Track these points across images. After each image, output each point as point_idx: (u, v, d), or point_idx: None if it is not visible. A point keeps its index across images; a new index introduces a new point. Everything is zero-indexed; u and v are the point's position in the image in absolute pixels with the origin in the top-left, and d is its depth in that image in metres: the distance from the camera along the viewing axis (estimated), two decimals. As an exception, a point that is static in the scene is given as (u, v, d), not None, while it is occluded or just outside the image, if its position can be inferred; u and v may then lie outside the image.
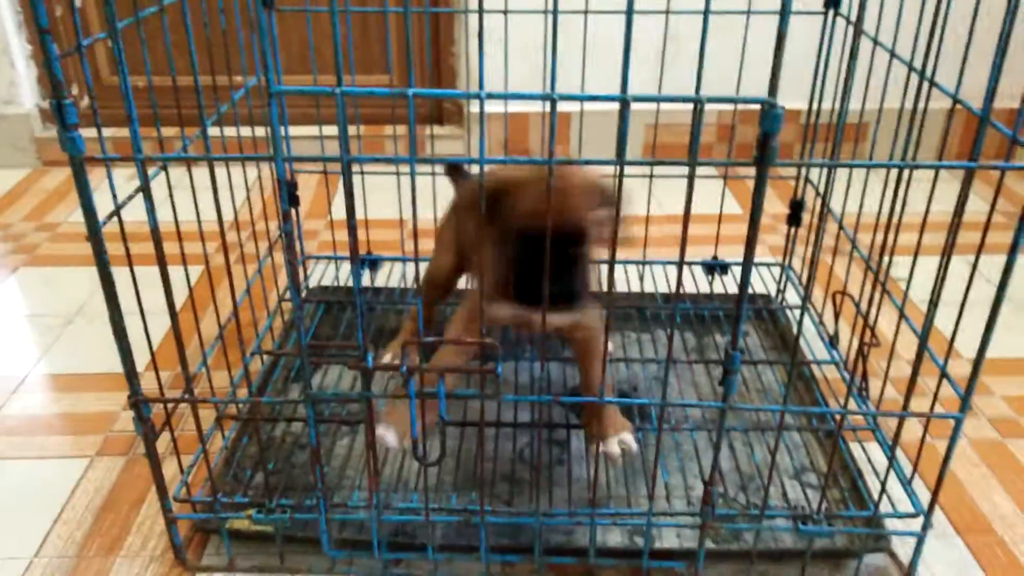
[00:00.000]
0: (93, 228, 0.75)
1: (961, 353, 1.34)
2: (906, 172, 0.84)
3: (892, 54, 1.02)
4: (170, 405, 0.91)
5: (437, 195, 1.19)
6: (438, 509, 0.92)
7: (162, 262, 0.80)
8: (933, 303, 0.82)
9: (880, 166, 0.70)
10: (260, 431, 0.90)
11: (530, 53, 1.80)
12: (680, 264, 0.74)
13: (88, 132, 0.72)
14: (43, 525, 1.00)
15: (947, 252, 0.81)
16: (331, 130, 1.74)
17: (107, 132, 1.85)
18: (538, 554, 0.91)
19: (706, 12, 0.68)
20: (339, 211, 1.82)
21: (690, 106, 0.65)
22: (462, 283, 1.18)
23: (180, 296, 0.90)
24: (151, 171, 0.88)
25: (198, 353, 1.12)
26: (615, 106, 1.30)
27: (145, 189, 0.77)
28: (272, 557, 0.95)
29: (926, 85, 0.91)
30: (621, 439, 0.97)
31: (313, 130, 1.94)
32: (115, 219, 0.78)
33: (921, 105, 0.89)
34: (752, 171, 0.69)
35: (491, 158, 0.71)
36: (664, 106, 1.52)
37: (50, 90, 0.69)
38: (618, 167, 0.70)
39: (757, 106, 0.66)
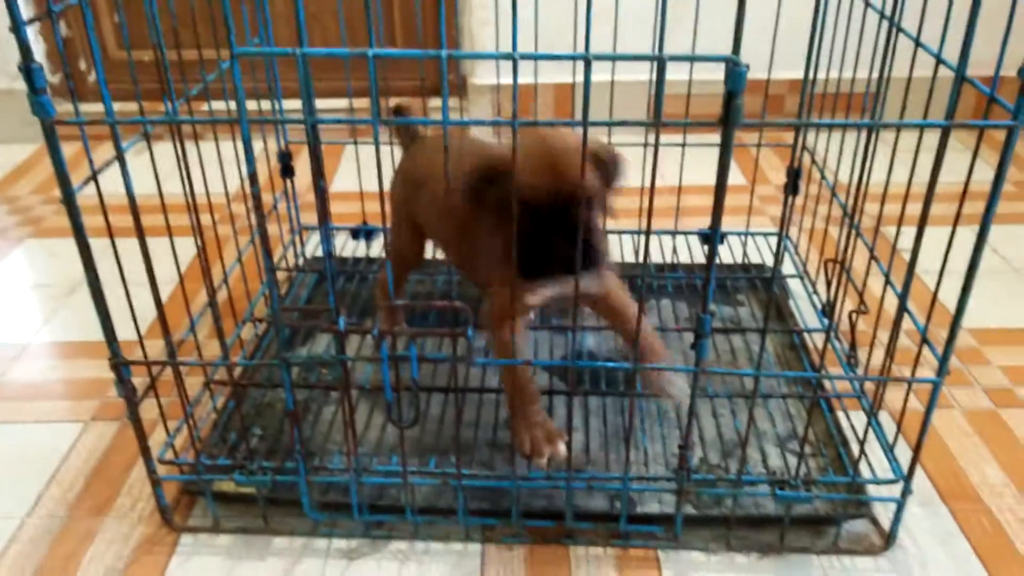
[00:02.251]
0: (67, 193, 0.76)
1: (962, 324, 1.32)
2: (910, 139, 0.82)
3: (883, 16, 1.00)
4: (155, 369, 0.93)
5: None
6: (416, 472, 0.93)
7: (140, 230, 0.81)
8: (910, 271, 0.81)
9: (849, 125, 0.69)
10: (240, 395, 0.91)
11: (529, 27, 1.79)
12: (647, 233, 0.74)
13: (95, 107, 0.74)
14: (37, 487, 1.03)
15: (922, 221, 0.79)
16: (334, 103, 1.75)
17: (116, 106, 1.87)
18: (515, 517, 0.92)
19: None
20: (338, 183, 1.83)
21: (696, 76, 0.64)
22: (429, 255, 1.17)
23: (176, 267, 0.92)
24: (133, 138, 0.89)
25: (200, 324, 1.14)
26: (619, 75, 1.28)
27: (120, 156, 0.78)
28: (257, 519, 0.96)
29: (923, 51, 0.89)
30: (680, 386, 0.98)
31: (332, 102, 1.96)
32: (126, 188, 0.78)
33: (921, 73, 0.87)
34: (755, 139, 0.68)
35: (523, 120, 0.70)
36: (670, 75, 1.50)
37: (58, 65, 0.69)
38: (583, 128, 0.70)
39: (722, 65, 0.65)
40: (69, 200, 0.77)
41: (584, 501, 0.97)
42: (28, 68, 0.69)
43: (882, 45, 0.99)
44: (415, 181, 1.10)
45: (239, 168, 1.10)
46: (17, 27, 0.68)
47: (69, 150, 0.79)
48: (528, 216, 0.83)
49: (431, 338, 1.13)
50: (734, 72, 0.65)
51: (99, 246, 0.81)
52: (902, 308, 0.84)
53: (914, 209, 0.91)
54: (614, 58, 0.68)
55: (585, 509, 0.96)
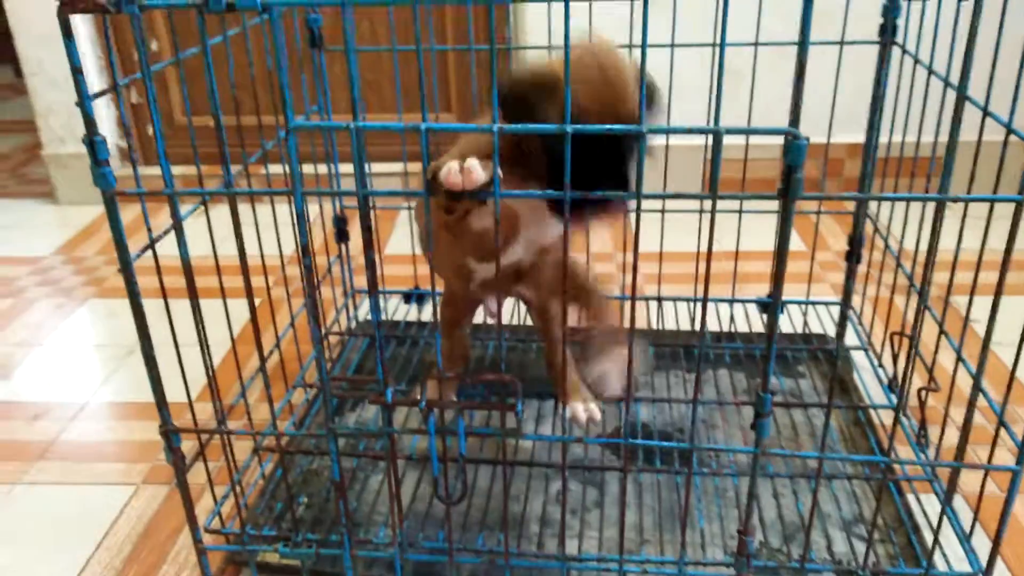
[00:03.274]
0: (124, 260, 0.77)
1: (1039, 400, 1.25)
2: (978, 208, 0.79)
3: (947, 83, 0.97)
4: (204, 436, 0.92)
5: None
6: (462, 549, 0.91)
7: (193, 294, 0.82)
8: (985, 346, 0.77)
9: (914, 199, 0.66)
10: (285, 463, 0.90)
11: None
12: (704, 300, 0.71)
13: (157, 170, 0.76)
14: (86, 551, 1.03)
15: (998, 291, 0.76)
16: (389, 167, 1.77)
17: (176, 170, 1.93)
18: (565, 600, 0.88)
19: (756, 44, 0.65)
20: (391, 246, 1.85)
21: (752, 140, 0.63)
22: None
23: (228, 331, 0.92)
24: (191, 206, 0.91)
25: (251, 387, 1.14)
26: (675, 140, 1.28)
27: (176, 224, 0.80)
28: (300, 591, 0.94)
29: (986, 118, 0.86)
30: (588, 407, 0.95)
31: (387, 166, 1.99)
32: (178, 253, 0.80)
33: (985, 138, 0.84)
34: (814, 206, 0.66)
35: (648, 194, 0.68)
36: (728, 143, 1.49)
37: (123, 131, 0.71)
38: (637, 200, 0.68)
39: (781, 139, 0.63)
40: (126, 267, 0.78)
41: (637, 584, 0.93)
42: (92, 141, 0.71)
43: (947, 113, 0.96)
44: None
45: (294, 231, 1.12)
46: (83, 101, 0.70)
47: (134, 212, 0.81)
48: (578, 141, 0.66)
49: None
50: (794, 145, 0.63)
51: (156, 307, 0.82)
52: (976, 386, 0.80)
53: (985, 278, 0.87)
54: (669, 131, 0.67)
55: (638, 593, 0.92)
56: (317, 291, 0.76)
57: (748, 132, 0.66)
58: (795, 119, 0.64)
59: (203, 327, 0.87)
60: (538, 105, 0.80)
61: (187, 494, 0.89)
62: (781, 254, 0.69)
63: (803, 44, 0.61)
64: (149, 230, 0.81)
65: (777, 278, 0.70)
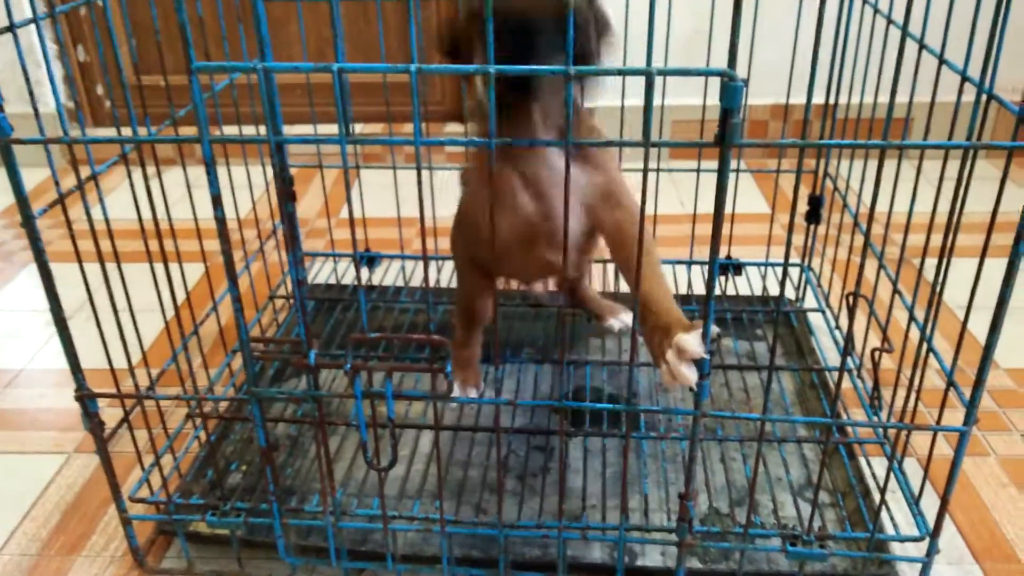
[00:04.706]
0: (25, 215, 0.73)
1: (999, 363, 1.23)
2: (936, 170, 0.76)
3: (905, 32, 0.93)
4: (130, 403, 0.88)
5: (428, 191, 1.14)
6: (396, 516, 0.87)
7: (100, 255, 0.77)
8: (933, 304, 0.74)
9: (859, 146, 0.62)
10: (219, 430, 0.86)
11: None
12: (639, 261, 0.68)
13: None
14: (11, 522, 0.99)
15: (942, 251, 0.72)
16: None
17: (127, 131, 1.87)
18: (503, 568, 0.85)
19: None
20: (342, 211, 1.80)
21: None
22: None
23: (170, 296, 0.89)
24: (111, 160, 0.86)
25: (194, 352, 1.10)
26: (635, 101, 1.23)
27: (78, 177, 0.75)
28: (232, 561, 0.91)
29: (948, 72, 0.82)
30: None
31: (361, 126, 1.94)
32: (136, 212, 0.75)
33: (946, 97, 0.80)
34: (788, 164, 0.62)
35: (581, 140, 0.64)
36: (691, 101, 1.44)
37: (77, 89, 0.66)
38: (566, 148, 0.64)
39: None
40: (29, 223, 0.73)
41: (582, 551, 0.90)
42: (-18, 84, 0.66)
43: (908, 66, 0.92)
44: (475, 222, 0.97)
45: (251, 192, 1.07)
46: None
47: (82, 174, 0.78)
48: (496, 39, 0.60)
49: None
50: (729, 88, 0.59)
51: (95, 271, 0.81)
52: (922, 345, 0.77)
53: (940, 240, 0.84)
54: (600, 72, 0.63)
55: (582, 560, 0.89)
56: (229, 248, 0.71)
57: (682, 73, 0.61)
58: (732, 60, 0.60)
59: (127, 290, 0.83)
60: (473, 38, 0.76)
61: (108, 462, 0.85)
62: (719, 206, 0.65)
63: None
64: (57, 184, 0.76)
65: (715, 231, 0.66)
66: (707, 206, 1.30)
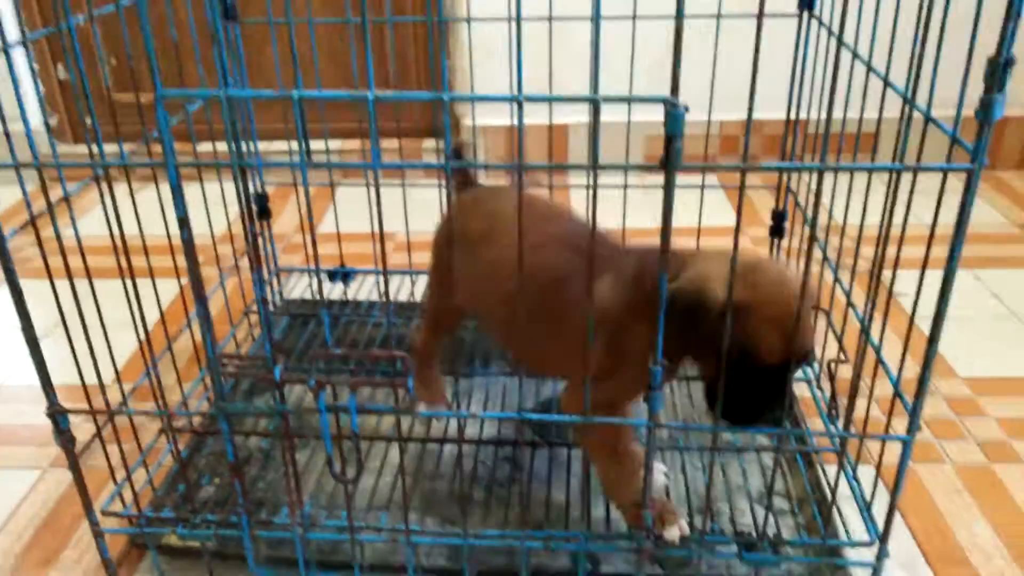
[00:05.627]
0: (-3, 237, 0.75)
1: (957, 372, 1.27)
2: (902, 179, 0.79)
3: (855, 55, 0.97)
4: (102, 418, 0.90)
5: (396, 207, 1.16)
6: (363, 527, 0.89)
7: (69, 274, 0.80)
8: (873, 317, 0.77)
9: (799, 168, 0.65)
10: (192, 444, 0.88)
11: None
12: (590, 274, 0.70)
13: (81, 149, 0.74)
14: (-15, 537, 1.00)
15: (882, 265, 0.76)
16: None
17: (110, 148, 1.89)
18: (468, 577, 0.88)
19: (679, 16, 0.61)
20: (325, 224, 1.82)
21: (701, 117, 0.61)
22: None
23: (139, 312, 0.91)
24: (83, 181, 0.88)
25: (169, 368, 1.12)
26: (616, 117, 1.25)
27: (47, 200, 0.77)
28: (204, 573, 0.93)
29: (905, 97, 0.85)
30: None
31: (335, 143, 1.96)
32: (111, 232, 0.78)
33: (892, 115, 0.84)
34: (756, 181, 0.65)
35: (530, 164, 0.67)
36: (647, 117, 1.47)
37: (56, 107, 0.69)
38: (518, 171, 0.67)
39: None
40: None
41: (548, 560, 0.93)
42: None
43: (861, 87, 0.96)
44: (468, 242, 0.97)
45: (225, 209, 1.10)
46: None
47: (60, 191, 0.81)
48: (753, 371, 0.76)
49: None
50: (671, 115, 0.62)
51: (81, 286, 0.84)
52: (867, 355, 0.80)
53: (910, 252, 0.86)
54: (549, 100, 0.66)
55: (548, 568, 0.92)
56: (196, 266, 0.74)
57: (627, 100, 0.65)
58: (675, 87, 0.63)
59: (99, 308, 0.86)
60: (712, 322, 0.76)
61: (79, 476, 0.87)
62: (665, 227, 0.68)
63: (679, 12, 0.60)
64: (28, 205, 0.79)
65: (663, 250, 0.69)
66: (679, 221, 1.34)
